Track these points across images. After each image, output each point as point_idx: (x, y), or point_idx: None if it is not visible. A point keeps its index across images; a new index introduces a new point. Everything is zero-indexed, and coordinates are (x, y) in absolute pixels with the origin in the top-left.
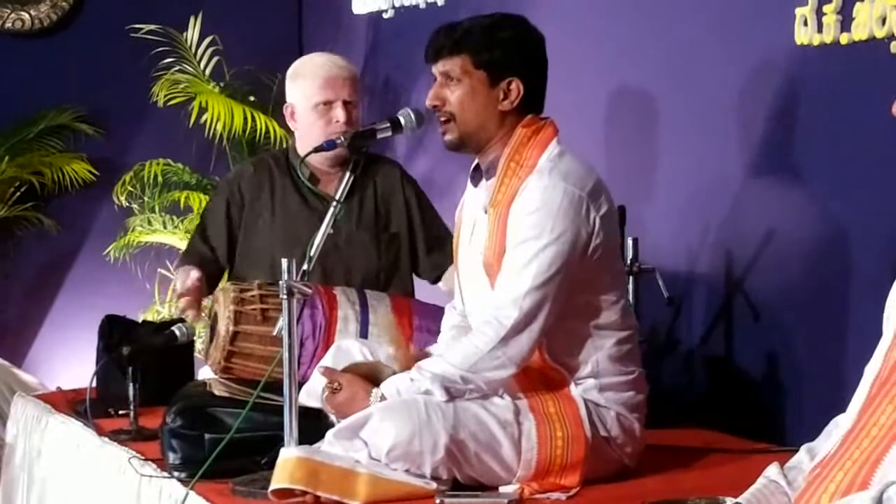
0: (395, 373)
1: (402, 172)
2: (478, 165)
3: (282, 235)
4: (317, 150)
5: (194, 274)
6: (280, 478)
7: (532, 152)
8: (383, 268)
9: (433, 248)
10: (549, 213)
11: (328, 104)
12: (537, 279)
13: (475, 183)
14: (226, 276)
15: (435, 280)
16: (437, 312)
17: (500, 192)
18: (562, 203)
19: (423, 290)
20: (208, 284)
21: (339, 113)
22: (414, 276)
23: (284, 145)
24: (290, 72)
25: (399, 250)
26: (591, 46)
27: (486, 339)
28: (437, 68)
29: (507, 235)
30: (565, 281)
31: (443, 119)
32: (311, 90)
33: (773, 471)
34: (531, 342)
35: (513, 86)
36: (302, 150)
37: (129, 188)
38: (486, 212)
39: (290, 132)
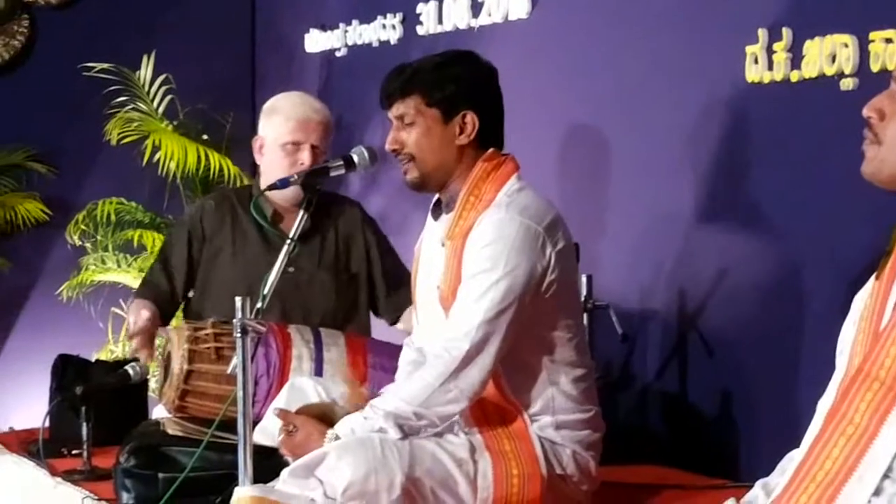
0: (348, 413)
1: (362, 213)
2: (439, 200)
3: (242, 272)
4: (270, 188)
5: (145, 313)
6: None
7: (491, 186)
8: (342, 308)
9: (392, 289)
10: (504, 246)
11: (296, 145)
12: (489, 312)
13: (436, 216)
14: (181, 310)
15: (393, 321)
16: (392, 351)
17: (457, 225)
18: (517, 236)
19: (380, 328)
20: (162, 318)
21: (304, 156)
22: (372, 317)
23: (238, 184)
24: (266, 106)
25: (358, 291)
26: (543, 86)
27: (437, 374)
28: (392, 113)
29: (462, 268)
30: (518, 314)
31: (403, 160)
32: (282, 129)
33: None
34: (482, 375)
35: (467, 119)
36: (264, 186)
37: (83, 227)
38: (443, 244)
39: (250, 168)
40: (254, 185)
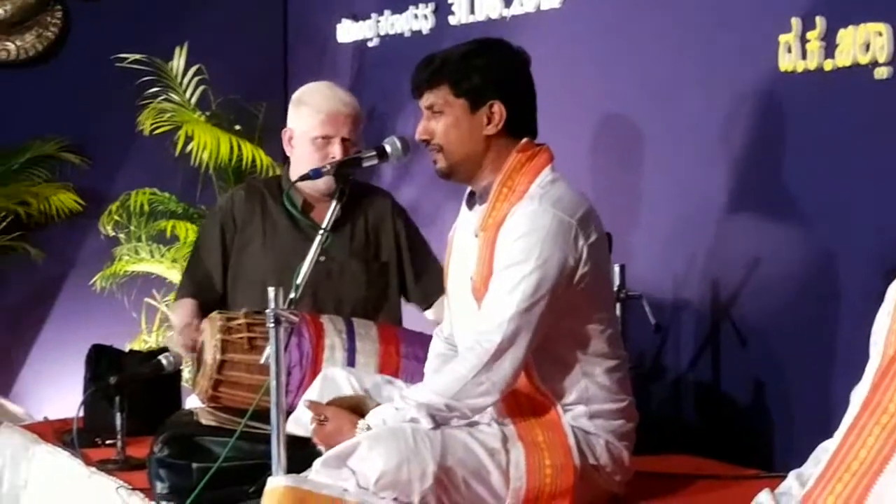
0: (378, 405)
1: (392, 202)
2: (472, 191)
3: (273, 262)
4: (303, 178)
5: (186, 316)
6: None
7: (524, 178)
8: (373, 297)
9: (422, 275)
10: (537, 238)
11: (326, 139)
12: (522, 304)
13: (470, 206)
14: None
15: (424, 308)
16: (425, 340)
17: (490, 216)
18: (550, 228)
19: (411, 319)
20: (206, 310)
21: (335, 149)
22: (403, 305)
23: (271, 174)
24: (295, 97)
25: (388, 280)
26: (575, 75)
27: (470, 366)
28: (422, 102)
29: (494, 259)
30: (550, 307)
31: (433, 150)
32: (312, 122)
33: (764, 497)
34: (514, 367)
35: (494, 108)
36: (294, 178)
37: (116, 217)
38: (476, 236)
39: (282, 159)
40: (283, 176)
